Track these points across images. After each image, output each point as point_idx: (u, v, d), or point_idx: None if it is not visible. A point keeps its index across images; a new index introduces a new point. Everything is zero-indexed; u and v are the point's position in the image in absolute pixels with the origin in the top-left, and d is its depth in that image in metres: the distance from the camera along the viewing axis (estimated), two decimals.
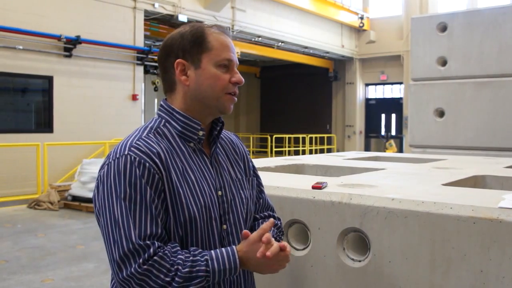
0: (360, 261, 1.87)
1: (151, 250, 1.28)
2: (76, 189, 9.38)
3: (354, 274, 1.87)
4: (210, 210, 1.43)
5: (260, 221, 1.65)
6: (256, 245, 1.36)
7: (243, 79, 1.51)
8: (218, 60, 1.46)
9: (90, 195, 9.03)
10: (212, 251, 1.35)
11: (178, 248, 1.34)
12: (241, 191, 1.56)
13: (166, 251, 1.30)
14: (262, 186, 1.73)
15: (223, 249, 1.36)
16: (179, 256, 1.31)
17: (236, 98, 1.51)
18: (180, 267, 1.29)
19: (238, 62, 1.52)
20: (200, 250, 1.36)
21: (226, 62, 1.47)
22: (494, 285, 1.60)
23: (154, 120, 1.50)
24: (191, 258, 1.31)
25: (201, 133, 1.48)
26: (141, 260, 1.27)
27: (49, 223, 7.85)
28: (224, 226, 1.48)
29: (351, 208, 1.88)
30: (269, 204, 1.73)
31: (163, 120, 1.49)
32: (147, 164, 1.35)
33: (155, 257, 1.28)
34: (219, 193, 1.48)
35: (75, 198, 9.34)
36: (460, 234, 1.65)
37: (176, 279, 1.27)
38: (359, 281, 1.86)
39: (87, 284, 4.94)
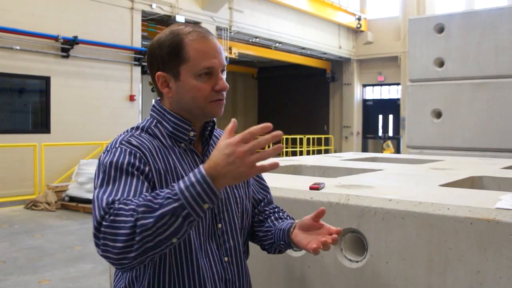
0: (357, 261, 1.88)
1: (116, 204, 1.19)
2: (74, 190, 9.36)
3: (352, 275, 1.87)
4: None
5: (272, 216, 1.66)
6: (230, 153, 1.14)
7: (227, 85, 1.46)
8: (196, 71, 1.41)
9: (87, 195, 9.02)
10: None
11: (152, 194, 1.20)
12: (235, 190, 1.56)
13: (129, 199, 1.20)
14: (264, 181, 1.74)
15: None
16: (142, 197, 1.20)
17: (223, 101, 1.47)
18: (139, 202, 1.16)
19: (224, 63, 1.47)
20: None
21: (206, 71, 1.42)
22: (491, 286, 1.60)
23: (146, 120, 1.50)
24: (155, 192, 1.19)
25: (192, 133, 1.48)
26: (108, 216, 1.17)
27: (46, 224, 7.84)
28: (219, 225, 1.49)
29: (348, 209, 1.88)
30: (272, 199, 1.75)
31: (155, 121, 1.49)
32: (138, 155, 1.35)
33: (119, 205, 1.18)
34: None
35: (72, 199, 9.33)
36: (457, 235, 1.65)
37: (139, 209, 1.13)
38: (356, 281, 1.86)
39: (85, 285, 4.93)
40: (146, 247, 1.14)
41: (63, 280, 5.06)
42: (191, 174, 1.15)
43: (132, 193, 1.25)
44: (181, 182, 1.15)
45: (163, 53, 1.43)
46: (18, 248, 6.30)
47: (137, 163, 1.33)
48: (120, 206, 1.17)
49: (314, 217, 1.45)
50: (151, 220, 1.12)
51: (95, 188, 1.32)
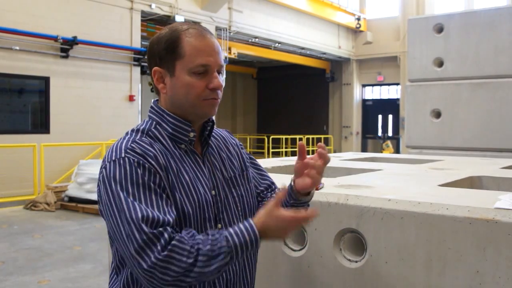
0: (356, 261, 1.88)
1: (166, 235, 1.25)
2: (73, 190, 9.36)
3: (351, 275, 1.87)
4: (204, 210, 1.43)
5: (268, 194, 1.70)
6: (273, 213, 1.32)
7: (222, 84, 1.46)
8: (191, 67, 1.41)
9: (87, 196, 9.02)
10: (230, 228, 1.32)
11: (194, 232, 1.32)
12: (233, 190, 1.55)
13: (183, 235, 1.28)
14: (267, 173, 1.76)
15: (240, 224, 1.33)
16: (197, 237, 1.29)
17: (217, 101, 1.47)
18: (201, 246, 1.26)
19: (222, 64, 1.47)
20: (217, 231, 1.33)
21: (201, 69, 1.41)
22: (490, 286, 1.60)
23: (145, 122, 1.49)
24: (210, 237, 1.29)
25: (192, 134, 1.47)
26: (159, 247, 1.24)
27: (46, 224, 7.84)
28: (219, 226, 1.48)
29: (347, 209, 1.88)
30: (276, 187, 1.76)
31: (154, 122, 1.48)
32: (147, 165, 1.34)
33: (173, 242, 1.25)
34: (213, 192, 1.48)
35: (71, 199, 9.32)
36: (456, 235, 1.65)
37: (200, 258, 1.25)
38: (355, 281, 1.86)
39: (84, 285, 4.93)
40: (189, 283, 1.28)
41: (63, 280, 5.06)
42: (245, 232, 1.30)
43: (155, 206, 1.30)
44: (235, 237, 1.29)
45: (161, 49, 1.44)
46: (18, 248, 6.30)
47: (147, 174, 1.33)
48: (175, 243, 1.25)
49: (299, 157, 1.50)
50: (211, 268, 1.27)
51: (113, 197, 1.32)
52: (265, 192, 1.71)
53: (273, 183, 1.75)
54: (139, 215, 1.27)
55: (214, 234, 1.30)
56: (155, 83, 1.47)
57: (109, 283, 1.51)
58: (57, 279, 5.10)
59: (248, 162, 1.69)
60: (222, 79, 1.50)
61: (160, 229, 1.26)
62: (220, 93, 1.47)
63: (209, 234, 1.31)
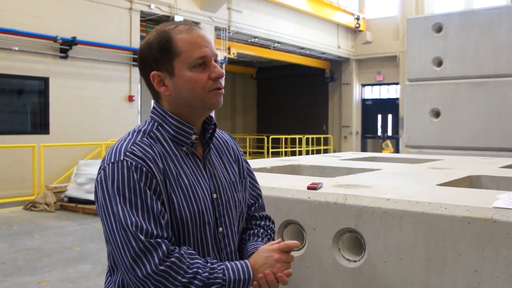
0: (355, 261, 1.88)
1: (164, 247, 1.27)
2: (73, 191, 9.35)
3: (350, 274, 1.87)
4: (204, 215, 1.42)
5: (259, 222, 1.67)
6: (268, 256, 1.43)
7: (224, 72, 1.47)
8: (190, 62, 1.42)
9: (86, 196, 9.02)
10: (227, 262, 1.37)
11: (194, 252, 1.35)
12: (235, 194, 1.55)
13: (182, 252, 1.30)
14: (258, 184, 1.74)
15: (236, 261, 1.39)
16: (196, 260, 1.31)
17: (222, 91, 1.47)
18: (199, 271, 1.29)
19: (216, 53, 1.47)
20: (216, 260, 1.38)
21: (200, 61, 1.42)
22: (489, 285, 1.60)
23: (147, 123, 1.49)
24: (209, 264, 1.33)
25: (194, 137, 1.47)
26: (156, 259, 1.25)
27: (46, 225, 7.84)
28: (220, 229, 1.48)
29: (346, 209, 1.88)
30: (263, 204, 1.74)
31: (156, 123, 1.47)
32: (144, 169, 1.34)
33: (172, 258, 1.26)
34: (214, 196, 1.48)
35: (71, 200, 9.31)
36: (454, 234, 1.66)
37: (195, 282, 1.27)
38: (354, 281, 1.86)
39: (84, 285, 4.93)
40: None
41: (62, 281, 5.06)
42: (240, 270, 1.36)
43: (151, 216, 1.30)
44: (231, 272, 1.34)
45: (154, 52, 1.43)
46: (17, 249, 6.30)
47: (143, 179, 1.33)
48: (174, 260, 1.28)
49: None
50: None
51: (109, 201, 1.32)
52: (252, 209, 1.68)
53: (260, 195, 1.73)
54: (134, 223, 1.27)
55: (213, 262, 1.34)
56: (156, 87, 1.46)
57: (105, 283, 1.51)
58: (56, 279, 5.09)
59: (246, 171, 1.68)
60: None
61: (158, 239, 1.27)
62: (223, 82, 1.47)
63: (208, 262, 1.34)
